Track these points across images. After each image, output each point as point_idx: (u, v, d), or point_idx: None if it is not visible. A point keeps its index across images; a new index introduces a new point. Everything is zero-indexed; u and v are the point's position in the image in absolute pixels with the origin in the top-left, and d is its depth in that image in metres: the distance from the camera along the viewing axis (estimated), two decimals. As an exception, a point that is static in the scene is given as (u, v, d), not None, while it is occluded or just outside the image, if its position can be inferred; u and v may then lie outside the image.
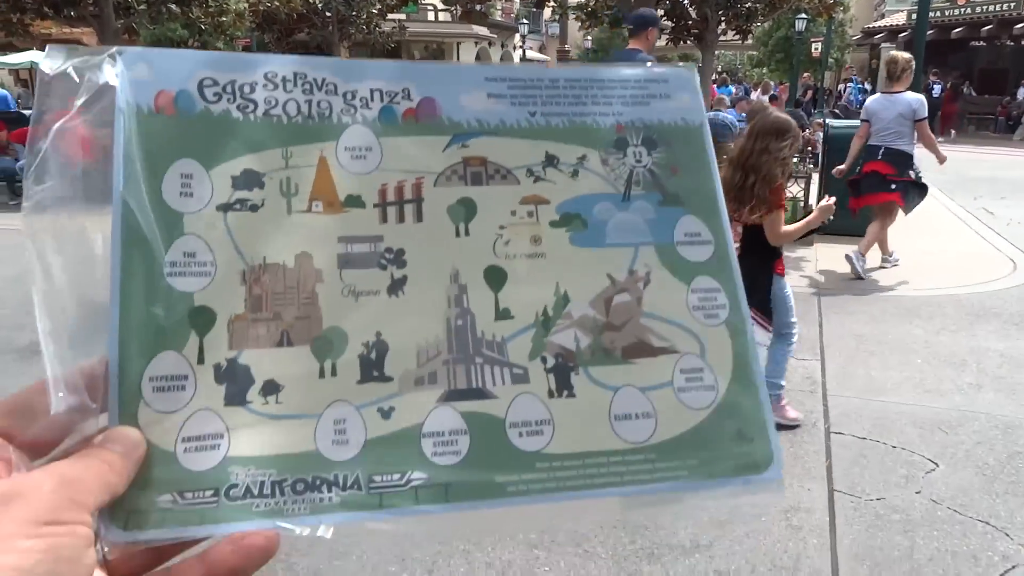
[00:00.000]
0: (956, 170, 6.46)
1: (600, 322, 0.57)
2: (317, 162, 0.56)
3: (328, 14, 17.12)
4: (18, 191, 9.70)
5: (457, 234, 0.57)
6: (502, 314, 0.56)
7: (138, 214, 0.51)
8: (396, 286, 0.55)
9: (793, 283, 5.77)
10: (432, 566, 2.58)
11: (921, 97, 5.93)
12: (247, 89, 0.56)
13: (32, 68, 18.73)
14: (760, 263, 3.43)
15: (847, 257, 6.15)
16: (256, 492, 0.48)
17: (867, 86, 24.99)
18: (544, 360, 0.55)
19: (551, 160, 0.59)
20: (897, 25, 26.41)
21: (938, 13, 22.73)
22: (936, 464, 3.26)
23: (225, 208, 0.53)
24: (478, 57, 32.41)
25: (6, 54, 18.93)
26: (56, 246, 0.49)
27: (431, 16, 33.52)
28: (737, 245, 3.35)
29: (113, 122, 0.52)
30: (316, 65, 0.58)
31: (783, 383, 3.63)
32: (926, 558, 2.61)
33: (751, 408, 0.56)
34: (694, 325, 0.58)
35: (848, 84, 24.84)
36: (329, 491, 0.49)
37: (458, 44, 32.63)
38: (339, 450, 0.51)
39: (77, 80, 0.51)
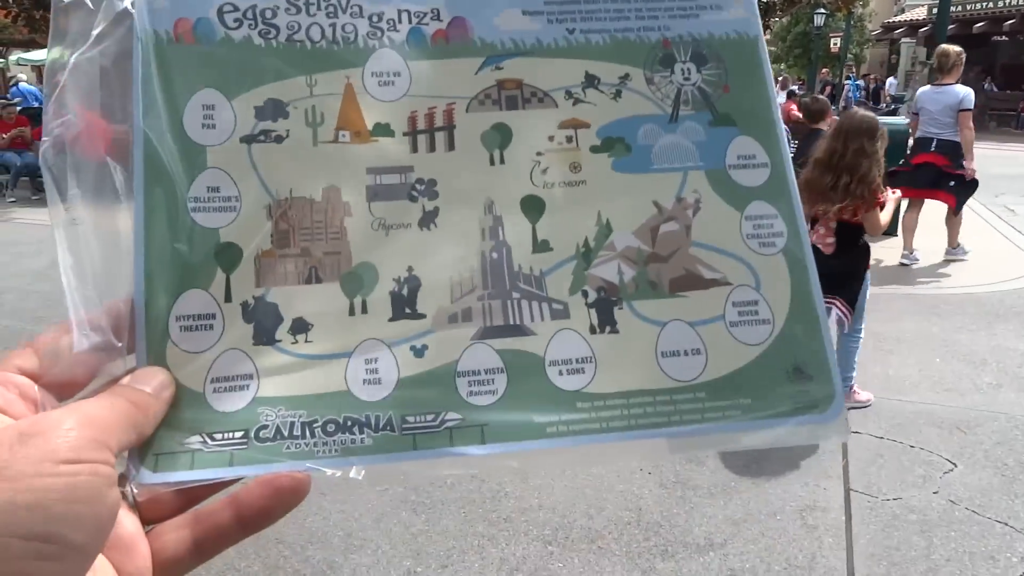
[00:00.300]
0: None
1: (645, 253, 0.53)
2: (343, 89, 0.53)
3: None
4: (41, 186, 9.78)
5: (491, 162, 0.53)
6: (540, 246, 0.52)
7: (159, 147, 0.49)
8: (428, 218, 0.52)
9: (810, 280, 5.72)
10: (446, 560, 2.59)
11: (969, 90, 5.87)
12: (268, 14, 0.53)
13: (54, 64, 18.82)
14: (857, 259, 3.48)
15: (946, 260, 6.29)
16: (286, 433, 0.47)
17: (890, 82, 24.72)
18: (585, 294, 0.52)
19: (591, 80, 0.56)
20: (917, 20, 26.03)
21: (959, 7, 22.41)
22: (954, 464, 3.21)
23: (249, 140, 0.51)
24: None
25: (28, 51, 19.14)
26: (76, 180, 0.48)
27: None
28: (831, 241, 3.39)
29: (131, 52, 0.50)
30: None
31: (854, 373, 3.65)
32: (943, 559, 2.58)
33: (810, 343, 0.53)
34: (748, 254, 0.54)
35: (846, 83, 24.61)
36: (361, 432, 0.47)
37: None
38: (371, 390, 0.48)
39: (93, 7, 0.50)
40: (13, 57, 19.43)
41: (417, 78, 0.54)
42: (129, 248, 0.48)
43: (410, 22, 0.55)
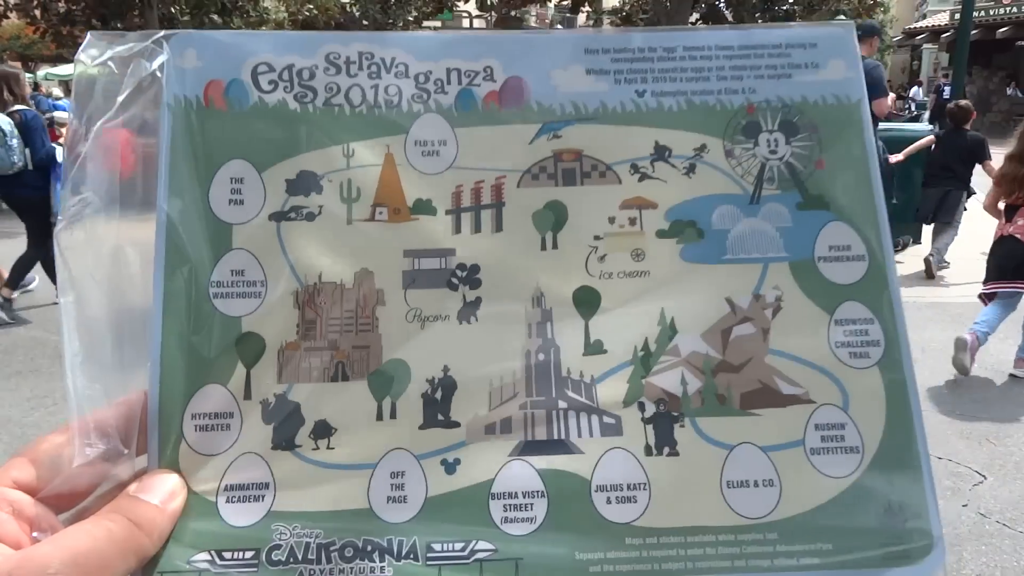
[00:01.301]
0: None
1: (714, 360, 0.46)
2: (383, 161, 0.48)
3: (365, 22, 17.34)
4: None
5: (543, 247, 0.47)
6: (593, 347, 0.46)
7: (182, 227, 0.46)
8: (468, 310, 0.46)
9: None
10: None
11: None
12: (306, 75, 0.48)
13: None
14: None
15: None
16: (300, 556, 0.42)
17: (915, 91, 24.49)
18: (642, 407, 0.45)
19: (662, 152, 0.48)
20: (939, 26, 25.62)
21: (982, 12, 22.13)
22: (984, 476, 3.11)
23: (279, 217, 0.47)
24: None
25: (55, 66, 19.54)
26: (92, 267, 0.44)
27: (466, 23, 33.76)
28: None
29: (159, 119, 0.47)
30: (385, 42, 0.49)
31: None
32: (974, 573, 2.51)
33: (908, 477, 0.44)
34: (836, 367, 0.46)
35: None
36: (382, 560, 0.43)
37: (493, 50, 32.82)
38: (395, 510, 0.43)
39: (117, 71, 0.46)
40: (41, 72, 19.83)
41: (465, 147, 0.48)
42: (144, 336, 0.44)
43: (460, 83, 0.49)
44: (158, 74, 0.47)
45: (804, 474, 0.45)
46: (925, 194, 5.92)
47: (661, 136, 0.49)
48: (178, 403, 0.44)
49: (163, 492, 0.41)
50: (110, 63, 0.46)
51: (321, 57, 0.49)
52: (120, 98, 0.46)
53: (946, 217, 5.80)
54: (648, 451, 0.45)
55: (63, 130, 6.44)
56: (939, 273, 6.15)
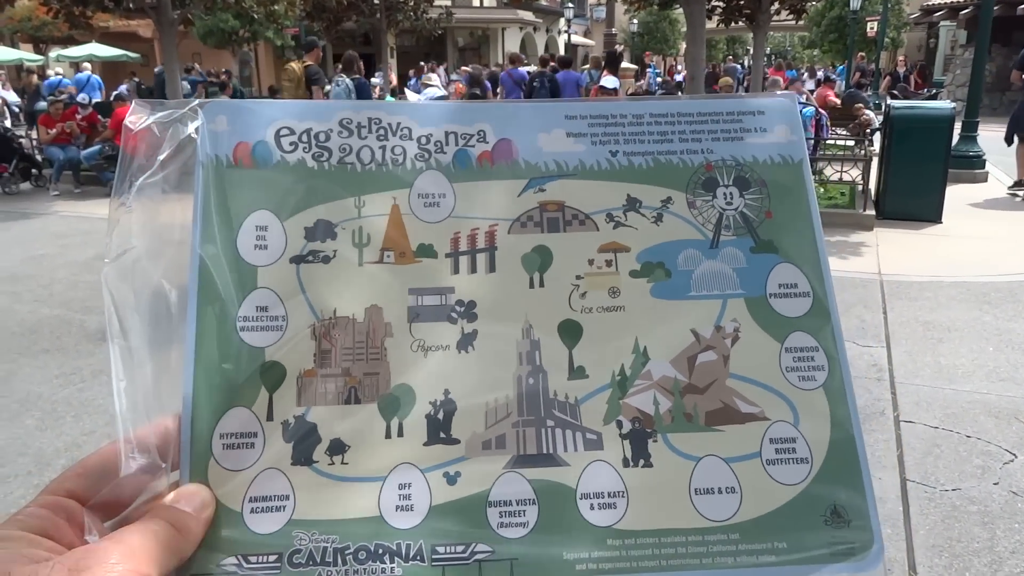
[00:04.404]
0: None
1: (682, 383, 0.51)
2: (390, 210, 0.53)
3: (376, 1, 17.18)
4: (82, 179, 9.97)
5: (531, 285, 0.53)
6: (576, 372, 0.51)
7: (213, 269, 0.50)
8: (466, 341, 0.51)
9: (855, 268, 5.61)
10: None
11: None
12: (322, 137, 0.54)
13: (92, 60, 19.29)
14: None
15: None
16: (319, 559, 0.46)
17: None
18: (620, 424, 0.50)
19: (633, 203, 0.55)
20: (958, 2, 25.20)
21: (1002, -12, 21.73)
22: (1014, 455, 3.08)
23: (298, 260, 0.52)
24: (523, 43, 32.28)
25: (67, 47, 19.55)
26: (135, 303, 0.49)
27: (476, 2, 33.47)
28: None
29: (194, 174, 0.52)
30: (392, 110, 0.55)
31: None
32: (1008, 551, 2.49)
33: (850, 485, 0.50)
34: (787, 388, 0.52)
35: (647, 70, 23.18)
36: (392, 561, 0.47)
37: (503, 29, 32.13)
38: (403, 517, 0.48)
39: (159, 135, 0.52)
40: (53, 54, 19.85)
41: (462, 199, 0.54)
42: (179, 365, 0.49)
43: (457, 144, 0.55)
44: (193, 136, 0.53)
45: (761, 482, 0.50)
46: None
47: (632, 190, 0.55)
48: (208, 424, 0.48)
49: (196, 502, 0.46)
50: (152, 127, 0.52)
51: (335, 122, 0.55)
52: (160, 157, 0.52)
53: None
54: (625, 463, 0.50)
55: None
56: (958, 255, 6.16)
